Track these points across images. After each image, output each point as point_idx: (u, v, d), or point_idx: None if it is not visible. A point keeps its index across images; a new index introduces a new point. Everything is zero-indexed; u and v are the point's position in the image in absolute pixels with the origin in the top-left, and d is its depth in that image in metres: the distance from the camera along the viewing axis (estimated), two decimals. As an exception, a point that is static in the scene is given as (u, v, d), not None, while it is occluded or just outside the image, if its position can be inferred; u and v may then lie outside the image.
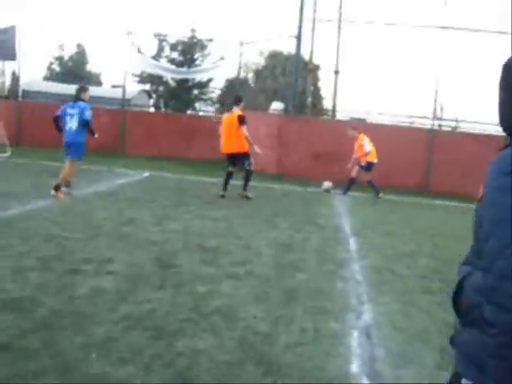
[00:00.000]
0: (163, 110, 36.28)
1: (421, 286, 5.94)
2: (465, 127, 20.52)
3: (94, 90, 32.60)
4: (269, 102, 15.59)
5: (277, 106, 15.72)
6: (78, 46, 40.98)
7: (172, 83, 36.54)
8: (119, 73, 18.05)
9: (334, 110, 24.03)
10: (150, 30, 37.96)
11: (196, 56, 36.52)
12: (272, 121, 15.87)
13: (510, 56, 1.46)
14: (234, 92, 21.90)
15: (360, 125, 16.27)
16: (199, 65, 34.73)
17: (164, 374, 3.51)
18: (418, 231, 9.17)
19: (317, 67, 28.18)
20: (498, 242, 1.33)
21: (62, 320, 4.20)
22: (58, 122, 10.17)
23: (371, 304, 5.20)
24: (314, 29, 22.83)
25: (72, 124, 9.95)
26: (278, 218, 9.33)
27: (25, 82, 18.12)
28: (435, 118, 17.68)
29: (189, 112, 33.44)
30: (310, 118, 18.59)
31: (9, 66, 19.74)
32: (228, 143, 11.32)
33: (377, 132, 15.58)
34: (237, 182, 12.08)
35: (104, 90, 33.34)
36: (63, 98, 27.24)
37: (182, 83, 35.53)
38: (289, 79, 24.75)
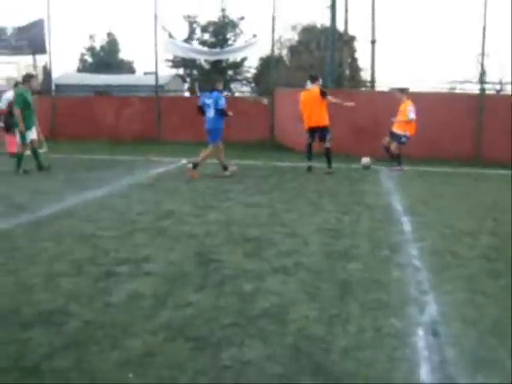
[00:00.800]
0: (198, 93, 35.90)
1: (485, 269, 5.39)
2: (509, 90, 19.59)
3: (127, 78, 32.63)
4: (306, 78, 14.95)
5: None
6: (109, 34, 40.82)
7: (206, 65, 36.13)
8: (152, 59, 17.68)
9: (372, 81, 23.29)
10: (179, 13, 37.41)
11: (228, 36, 35.97)
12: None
13: None
14: (269, 70, 21.35)
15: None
16: (232, 45, 34.22)
17: (209, 396, 3.10)
18: (474, 205, 8.55)
19: (352, 38, 27.38)
20: None
21: (95, 333, 3.82)
22: (204, 110, 11.41)
23: (434, 294, 4.69)
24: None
25: (210, 113, 11.20)
26: (322, 199, 8.84)
27: (57, 76, 17.92)
28: (481, 81, 16.79)
29: (224, 94, 33.01)
30: (349, 91, 17.91)
31: (40, 61, 19.52)
32: (312, 117, 12.06)
33: (421, 101, 14.85)
34: (280, 163, 11.69)
35: (137, 78, 33.19)
36: (97, 89, 27.25)
37: (216, 65, 35.09)
38: (324, 53, 24.04)
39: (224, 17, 32.63)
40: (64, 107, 18.61)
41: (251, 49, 20.44)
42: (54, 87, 19.17)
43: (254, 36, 22.09)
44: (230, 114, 11.32)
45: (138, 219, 7.24)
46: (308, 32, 33.91)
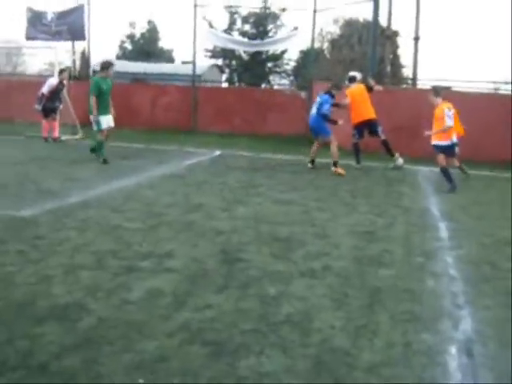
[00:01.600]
0: (237, 84, 35.73)
1: (528, 284, 5.06)
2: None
3: (165, 67, 32.63)
4: (346, 73, 14.62)
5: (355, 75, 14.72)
6: (149, 22, 40.84)
7: (245, 57, 35.92)
8: (191, 49, 17.59)
9: (414, 79, 22.75)
10: (220, 3, 37.25)
11: (269, 27, 35.68)
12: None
13: None
14: (309, 63, 21.02)
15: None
16: (272, 36, 33.91)
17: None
18: (516, 213, 8.16)
19: (395, 33, 26.83)
20: None
21: (108, 332, 3.66)
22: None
23: (470, 308, 4.39)
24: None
25: (313, 111, 11.41)
26: (357, 199, 8.54)
27: (95, 63, 17.86)
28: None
29: (263, 86, 32.75)
30: (390, 88, 17.48)
31: (78, 47, 19.54)
32: (361, 112, 12.07)
33: (465, 101, 14.39)
34: (321, 159, 11.44)
35: (176, 67, 33.14)
36: (135, 77, 27.25)
37: (256, 56, 34.87)
38: (366, 48, 23.59)
39: (265, 8, 32.27)
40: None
41: (291, 41, 20.14)
42: (92, 73, 19.12)
43: (295, 28, 21.68)
44: (340, 122, 11.12)
45: (164, 211, 7.07)
46: (350, 26, 33.38)
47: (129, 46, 40.87)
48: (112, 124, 11.19)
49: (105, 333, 3.65)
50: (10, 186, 8.38)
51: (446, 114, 10.08)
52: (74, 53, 19.42)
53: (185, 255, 5.33)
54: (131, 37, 40.95)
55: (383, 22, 20.68)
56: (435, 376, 3.33)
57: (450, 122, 10.05)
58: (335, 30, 35.57)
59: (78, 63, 21.67)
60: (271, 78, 36.57)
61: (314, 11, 17.53)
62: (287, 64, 37.48)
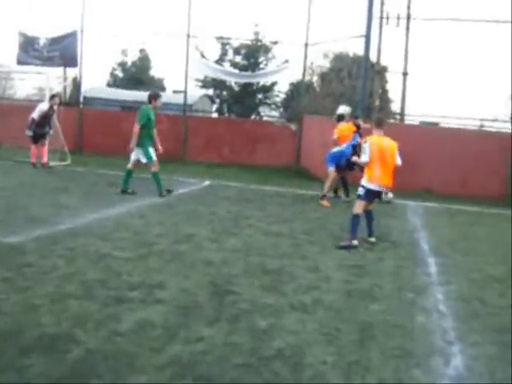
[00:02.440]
0: (227, 115, 35.92)
1: (518, 321, 5.06)
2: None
3: (156, 96, 32.74)
4: (335, 106, 14.77)
5: (343, 109, 14.86)
6: (141, 51, 41.03)
7: (235, 88, 36.18)
8: (182, 78, 17.69)
9: (402, 114, 22.98)
10: (212, 34, 37.58)
11: (260, 59, 36.02)
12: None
13: None
14: (299, 96, 21.20)
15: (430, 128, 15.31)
16: (263, 68, 34.24)
17: None
18: (505, 249, 8.19)
19: (384, 69, 27.14)
20: None
21: (98, 364, 3.60)
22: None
23: (461, 345, 4.38)
24: (381, 28, 21.94)
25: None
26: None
27: (86, 89, 17.94)
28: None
29: (253, 117, 32.95)
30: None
31: (70, 73, 19.60)
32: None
33: (452, 137, 14.57)
34: (304, 191, 11.44)
35: (166, 96, 33.24)
36: (125, 104, 27.32)
37: (246, 87, 35.13)
38: (355, 82, 23.87)
39: (257, 40, 32.65)
40: (91, 120, 18.58)
41: (282, 74, 20.37)
42: (82, 100, 19.20)
43: (286, 61, 21.92)
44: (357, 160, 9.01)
45: (154, 241, 7.03)
46: (340, 60, 33.80)
47: (120, 73, 41.00)
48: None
49: (94, 365, 3.59)
50: (-3, 212, 8.30)
51: (363, 146, 8.10)
52: (65, 79, 19.45)
53: (175, 286, 5.29)
54: (123, 64, 41.09)
55: (373, 56, 20.93)
56: (428, 414, 3.31)
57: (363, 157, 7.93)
58: (325, 64, 36.01)
59: (68, 89, 21.72)
60: (261, 109, 36.81)
61: (306, 45, 17.75)
62: (277, 96, 37.78)
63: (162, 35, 19.27)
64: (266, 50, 35.13)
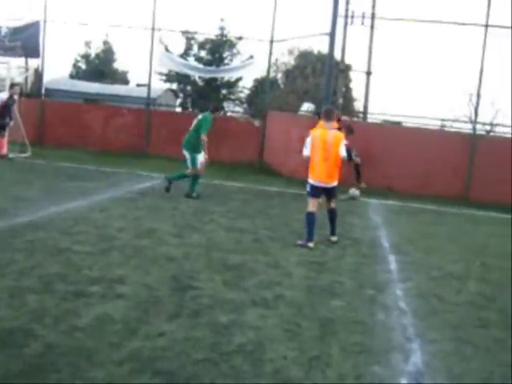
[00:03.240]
0: (190, 109, 35.74)
1: (474, 318, 5.17)
2: (501, 131, 19.57)
3: (119, 89, 32.43)
4: (299, 103, 14.84)
5: (307, 107, 14.98)
6: (105, 43, 40.48)
7: (200, 82, 36.02)
8: (146, 71, 17.54)
9: (365, 113, 23.19)
10: (177, 28, 37.30)
11: (225, 55, 35.92)
12: (303, 123, 15.10)
13: None
14: (263, 92, 21.22)
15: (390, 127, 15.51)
16: (228, 64, 34.15)
17: None
18: (463, 247, 8.35)
19: (348, 67, 27.34)
20: None
21: (57, 359, 3.54)
22: None
23: (420, 341, 4.45)
24: (346, 27, 22.06)
25: None
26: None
27: (48, 80, 17.61)
28: (472, 121, 16.74)
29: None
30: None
31: (32, 64, 19.20)
32: None
33: (413, 135, 14.77)
34: (267, 187, 11.44)
35: (130, 89, 32.96)
36: (88, 97, 26.99)
37: (210, 82, 35.00)
38: (319, 79, 23.99)
39: (222, 35, 32.54)
40: (52, 112, 18.26)
41: (247, 69, 20.32)
42: (44, 91, 18.85)
43: (251, 57, 21.89)
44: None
45: (116, 235, 6.96)
46: (304, 57, 33.94)
47: (83, 65, 40.39)
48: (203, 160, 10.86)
49: (52, 360, 3.54)
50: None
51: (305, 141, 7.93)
52: (26, 70, 19.07)
53: (136, 281, 5.24)
54: (86, 56, 40.48)
55: (337, 55, 21.04)
56: (386, 409, 3.35)
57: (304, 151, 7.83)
58: (289, 61, 36.12)
59: (29, 80, 21.30)
60: (225, 104, 36.69)
61: (271, 41, 17.76)
62: (241, 92, 37.76)
63: (126, 27, 18.99)
64: (231, 45, 35.04)
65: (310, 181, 7.64)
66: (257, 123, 17.96)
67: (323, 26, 15.78)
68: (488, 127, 19.66)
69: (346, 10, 21.88)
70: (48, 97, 21.70)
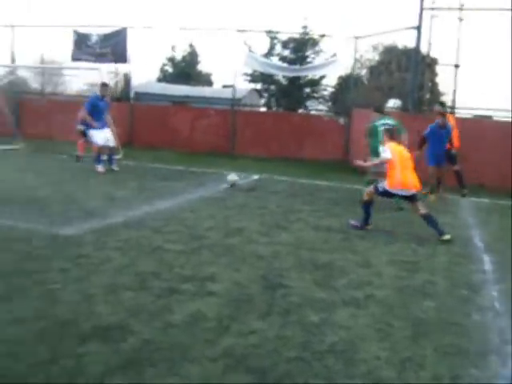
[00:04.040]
0: (274, 108, 35.86)
1: None
2: None
3: (205, 90, 33.03)
4: (384, 100, 14.57)
5: (394, 103, 14.70)
6: (190, 46, 41.25)
7: (283, 81, 36.09)
8: (230, 72, 17.81)
9: (453, 107, 22.51)
10: (261, 28, 37.58)
11: (308, 53, 35.81)
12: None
13: None
14: (347, 89, 21.02)
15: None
16: (311, 62, 34.05)
17: None
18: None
19: (435, 61, 26.63)
20: None
21: (152, 354, 3.66)
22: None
23: (519, 343, 4.28)
24: (432, 20, 21.50)
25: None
26: (397, 228, 8.43)
27: (137, 84, 18.21)
28: None
29: (300, 111, 32.79)
30: (429, 116, 17.35)
31: (122, 69, 19.88)
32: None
33: (505, 130, 14.21)
34: (353, 185, 11.31)
35: (215, 90, 33.48)
36: (175, 99, 27.62)
37: (294, 81, 34.99)
38: (405, 74, 23.49)
39: (305, 34, 32.44)
40: (142, 115, 18.87)
41: (330, 67, 20.18)
42: (133, 95, 19.49)
43: (334, 55, 21.73)
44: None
45: (205, 234, 7.09)
46: (389, 52, 33.31)
47: (170, 68, 41.33)
48: None
49: (149, 355, 3.65)
50: (52, 203, 8.49)
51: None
52: (116, 74, 19.78)
53: (227, 279, 5.33)
54: (172, 60, 41.41)
55: (423, 49, 20.55)
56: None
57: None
58: (374, 57, 35.55)
59: (119, 85, 22.05)
60: (308, 103, 36.56)
61: (356, 38, 17.57)
62: (325, 90, 37.50)
63: (210, 30, 19.32)
64: (314, 43, 34.89)
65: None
66: (341, 121, 17.83)
67: (408, 19, 15.48)
68: None
69: (433, 2, 21.36)
70: (138, 100, 22.43)
